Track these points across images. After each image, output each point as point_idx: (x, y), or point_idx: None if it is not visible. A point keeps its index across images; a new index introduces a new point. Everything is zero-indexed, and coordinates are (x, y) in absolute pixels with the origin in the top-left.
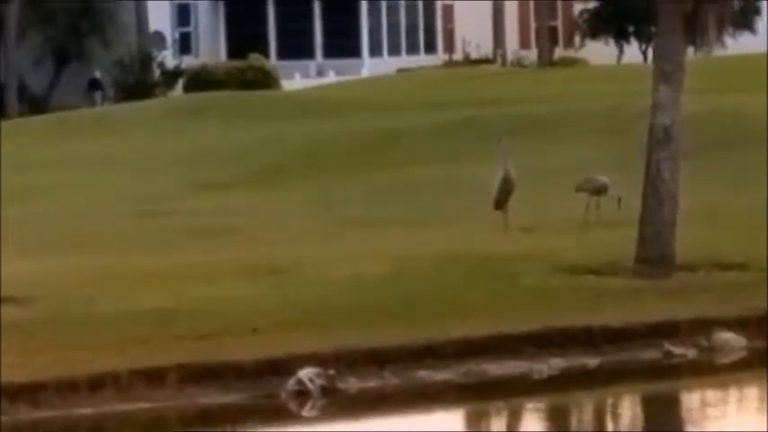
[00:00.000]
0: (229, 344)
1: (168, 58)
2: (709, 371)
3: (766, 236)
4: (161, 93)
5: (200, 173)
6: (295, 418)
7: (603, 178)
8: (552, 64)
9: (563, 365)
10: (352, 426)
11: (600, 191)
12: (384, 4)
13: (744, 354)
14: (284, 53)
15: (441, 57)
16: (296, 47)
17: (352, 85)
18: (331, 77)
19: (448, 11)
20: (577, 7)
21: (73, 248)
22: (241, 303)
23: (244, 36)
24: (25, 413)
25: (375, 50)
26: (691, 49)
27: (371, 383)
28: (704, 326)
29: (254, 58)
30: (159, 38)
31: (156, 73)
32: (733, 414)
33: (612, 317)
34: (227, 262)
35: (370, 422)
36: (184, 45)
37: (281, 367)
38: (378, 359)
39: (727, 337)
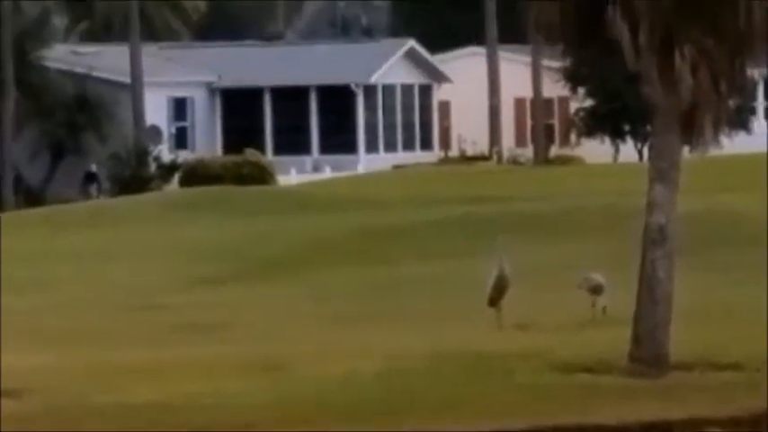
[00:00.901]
0: None
1: (164, 152)
2: None
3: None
4: (157, 187)
5: (196, 267)
6: None
7: (599, 277)
8: (548, 162)
9: None
10: None
11: (596, 290)
12: (380, 101)
13: None
14: (280, 148)
15: (437, 153)
16: (292, 142)
17: (348, 181)
18: (327, 173)
19: (444, 108)
20: (573, 105)
21: (69, 341)
22: (234, 399)
23: (240, 131)
24: None
25: (371, 146)
26: (686, 149)
27: None
28: (698, 425)
29: (250, 153)
30: (156, 132)
31: (152, 167)
32: None
33: (606, 415)
34: (221, 357)
35: None
36: (181, 139)
37: None
38: None
39: None
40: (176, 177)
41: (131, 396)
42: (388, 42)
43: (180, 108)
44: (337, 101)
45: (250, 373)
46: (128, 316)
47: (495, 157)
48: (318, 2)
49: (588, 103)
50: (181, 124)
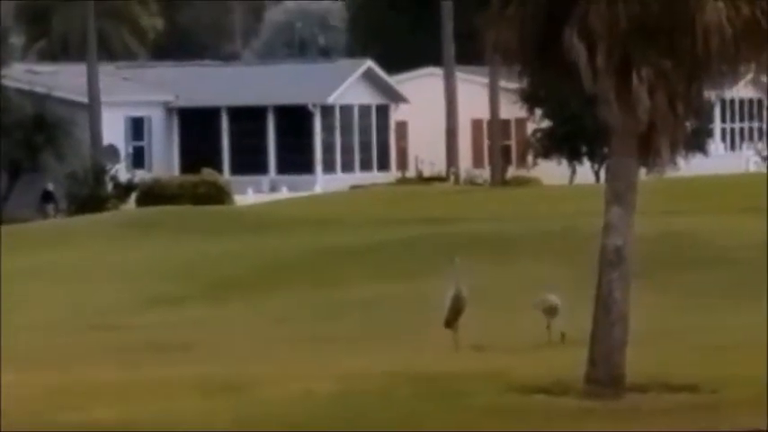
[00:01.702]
0: None
1: (121, 171)
2: None
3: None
4: (113, 206)
5: (154, 287)
6: None
7: (554, 299)
8: (505, 183)
9: None
10: None
11: (551, 311)
12: (338, 121)
13: None
14: (237, 168)
15: (394, 174)
16: (249, 162)
17: (305, 201)
18: (284, 193)
19: (401, 128)
20: (531, 127)
21: (29, 361)
22: (193, 418)
23: (197, 150)
24: None
25: (328, 167)
26: (643, 170)
27: None
28: None
29: (208, 173)
30: (113, 151)
31: (109, 186)
32: None
33: None
34: (181, 377)
35: None
36: (138, 159)
37: None
38: None
39: None
40: (133, 197)
41: (92, 415)
42: (345, 63)
43: (137, 127)
44: (294, 121)
45: (209, 393)
46: (87, 336)
47: (452, 177)
48: (275, 22)
49: (545, 124)
50: (138, 143)
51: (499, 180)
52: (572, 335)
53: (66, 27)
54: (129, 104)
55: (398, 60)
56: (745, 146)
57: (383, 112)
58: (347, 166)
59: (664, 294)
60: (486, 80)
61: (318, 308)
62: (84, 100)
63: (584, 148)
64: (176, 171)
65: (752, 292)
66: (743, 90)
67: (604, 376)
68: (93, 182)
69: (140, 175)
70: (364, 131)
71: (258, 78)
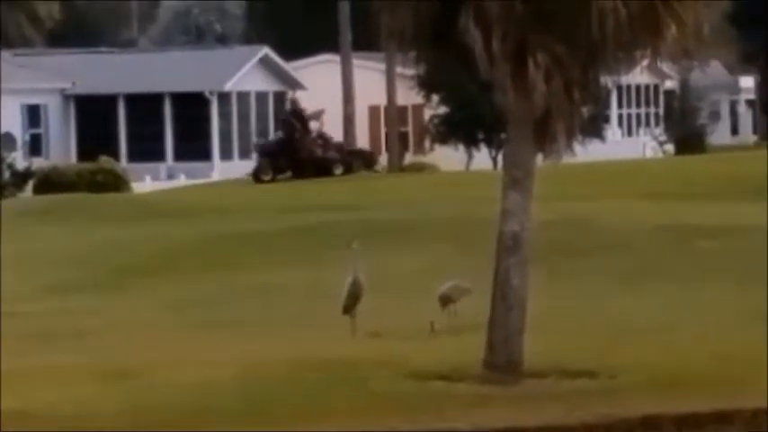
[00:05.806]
0: None
1: (18, 159)
2: None
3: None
4: (10, 194)
5: (50, 275)
6: None
7: (457, 285)
8: (402, 169)
9: None
10: None
11: (451, 297)
12: (235, 108)
13: None
14: (135, 156)
15: None
16: (146, 149)
17: (203, 189)
18: (182, 180)
19: None
20: (428, 113)
21: None
22: (88, 406)
23: (94, 138)
24: None
25: (226, 154)
26: (540, 156)
27: None
28: None
29: (105, 161)
30: (9, 139)
31: (6, 174)
32: None
33: (460, 423)
34: (77, 365)
35: None
36: (35, 146)
37: None
38: None
39: None
40: (30, 185)
41: None
42: (242, 50)
43: (34, 115)
44: (191, 108)
45: (106, 380)
46: None
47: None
48: (172, 9)
49: (442, 110)
50: (35, 131)
51: (397, 167)
52: (471, 321)
53: None
54: (25, 92)
55: (295, 47)
56: (642, 131)
57: (280, 98)
58: (245, 153)
59: (562, 280)
60: (383, 66)
61: (216, 294)
62: None
63: (481, 135)
64: (74, 159)
65: (649, 277)
66: (639, 76)
67: (502, 362)
68: None
69: (37, 163)
70: (262, 118)
71: (155, 65)
